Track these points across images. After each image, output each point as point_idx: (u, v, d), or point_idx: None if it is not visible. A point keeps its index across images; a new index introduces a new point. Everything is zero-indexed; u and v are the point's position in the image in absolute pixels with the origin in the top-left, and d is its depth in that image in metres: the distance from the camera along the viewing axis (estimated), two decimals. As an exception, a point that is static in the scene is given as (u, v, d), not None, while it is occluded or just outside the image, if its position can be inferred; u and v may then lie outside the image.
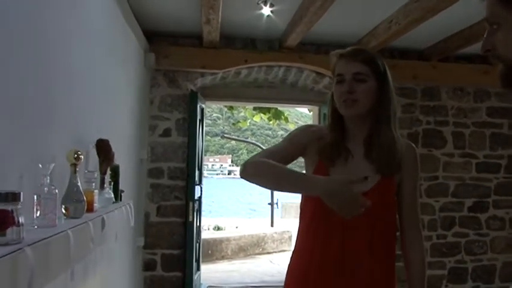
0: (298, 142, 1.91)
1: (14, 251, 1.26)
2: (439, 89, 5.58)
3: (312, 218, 1.84)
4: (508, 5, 1.19)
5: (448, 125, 5.59)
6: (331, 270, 1.77)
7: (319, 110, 6.05)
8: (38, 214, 1.62)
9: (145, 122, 5.05)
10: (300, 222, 1.91)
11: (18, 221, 1.31)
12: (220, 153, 69.52)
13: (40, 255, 1.40)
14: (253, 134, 52.78)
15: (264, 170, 1.79)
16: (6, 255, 1.22)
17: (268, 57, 5.23)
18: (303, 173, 1.80)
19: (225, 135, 24.60)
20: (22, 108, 1.79)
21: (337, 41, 4.81)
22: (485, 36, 1.25)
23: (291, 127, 14.43)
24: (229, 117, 23.55)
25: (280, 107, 8.71)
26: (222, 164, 71.76)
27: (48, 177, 1.68)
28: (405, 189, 1.88)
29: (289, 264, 1.93)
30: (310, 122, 7.23)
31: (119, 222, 2.73)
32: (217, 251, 8.49)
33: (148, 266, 5.07)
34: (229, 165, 71.40)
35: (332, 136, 1.86)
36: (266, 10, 4.15)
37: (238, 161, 68.79)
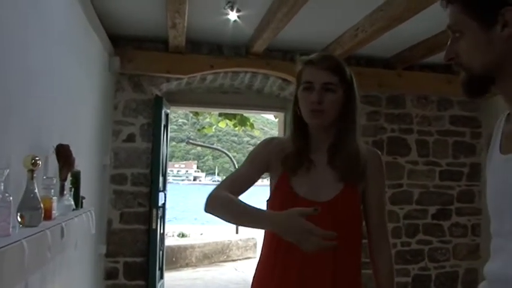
0: (261, 161, 1.88)
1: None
2: (403, 97, 5.63)
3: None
4: (471, 13, 1.19)
5: (413, 133, 5.64)
6: (294, 279, 1.74)
7: (285, 117, 6.04)
8: (-10, 223, 1.54)
9: (109, 127, 4.94)
10: (264, 231, 1.88)
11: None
12: (185, 159, 69.15)
13: (-9, 266, 1.33)
14: (219, 140, 52.65)
15: (224, 207, 1.76)
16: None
17: (235, 63, 5.20)
18: (259, 210, 1.69)
19: (191, 141, 24.44)
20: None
21: (304, 48, 4.78)
22: (448, 44, 1.25)
23: (257, 134, 14.47)
24: (195, 123, 23.42)
25: (246, 114, 8.69)
26: (187, 170, 71.36)
27: (2, 184, 1.60)
28: (371, 196, 1.87)
29: (253, 275, 1.89)
30: (276, 129, 7.22)
31: (79, 230, 2.65)
32: (181, 258, 8.40)
33: (110, 274, 4.94)
34: (195, 171, 71.12)
35: (295, 146, 1.84)
36: (233, 15, 4.11)
37: (204, 167, 68.59)
